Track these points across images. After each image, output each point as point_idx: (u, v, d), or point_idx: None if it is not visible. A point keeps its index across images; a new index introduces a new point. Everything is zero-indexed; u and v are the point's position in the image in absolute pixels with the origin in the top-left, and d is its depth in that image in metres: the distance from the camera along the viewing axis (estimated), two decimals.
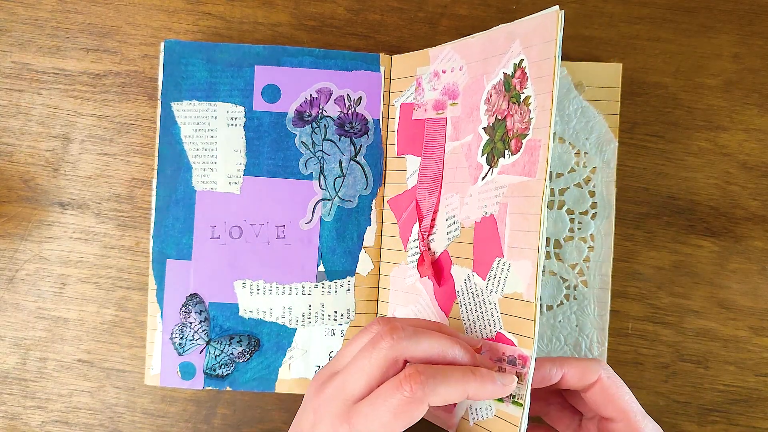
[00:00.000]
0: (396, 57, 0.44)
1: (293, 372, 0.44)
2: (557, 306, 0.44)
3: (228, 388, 0.44)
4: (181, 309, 0.44)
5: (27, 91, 0.47)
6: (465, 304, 0.39)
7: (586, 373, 0.35)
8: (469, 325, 0.39)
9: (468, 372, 0.32)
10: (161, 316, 0.44)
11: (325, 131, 0.44)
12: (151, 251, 0.44)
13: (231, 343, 0.44)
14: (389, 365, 0.32)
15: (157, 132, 0.44)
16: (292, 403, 0.46)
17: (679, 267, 0.46)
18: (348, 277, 0.44)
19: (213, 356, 0.44)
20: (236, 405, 0.46)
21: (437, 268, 0.41)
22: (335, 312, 0.44)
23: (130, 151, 0.47)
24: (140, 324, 0.46)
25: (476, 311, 0.38)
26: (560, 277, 0.44)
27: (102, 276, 0.46)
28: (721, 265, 0.46)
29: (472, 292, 0.39)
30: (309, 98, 0.44)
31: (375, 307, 0.45)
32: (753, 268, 0.46)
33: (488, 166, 0.38)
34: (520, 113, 0.36)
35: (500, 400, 0.36)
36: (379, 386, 0.32)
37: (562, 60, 0.36)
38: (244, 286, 0.44)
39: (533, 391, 0.35)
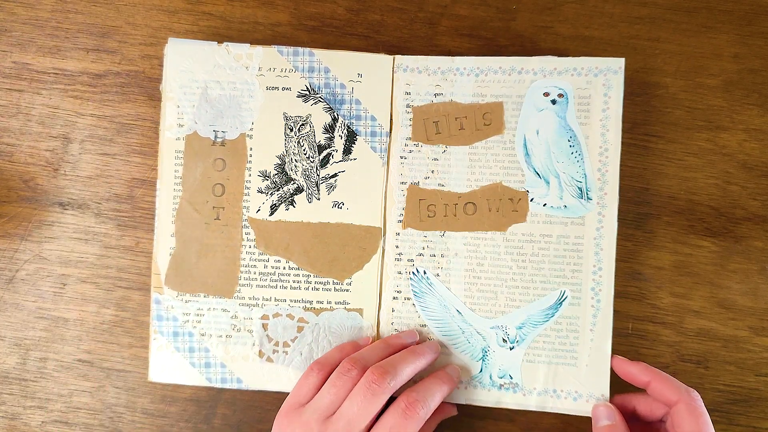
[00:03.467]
0: None
1: None
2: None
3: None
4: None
5: (27, 91, 0.47)
6: None
7: (671, 390, 0.39)
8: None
9: (439, 381, 0.40)
10: None
11: None
12: None
13: None
14: (384, 403, 0.38)
15: None
16: None
17: (679, 267, 0.46)
18: None
19: None
20: (236, 405, 0.46)
21: None
22: None
23: (130, 151, 0.47)
24: (140, 324, 0.46)
25: None
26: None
27: (102, 276, 0.47)
28: (721, 265, 0.46)
29: None
30: None
31: None
32: (753, 268, 0.46)
33: None
34: None
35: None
36: (375, 419, 0.38)
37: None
38: None
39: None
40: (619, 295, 0.45)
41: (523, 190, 0.44)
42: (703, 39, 0.46)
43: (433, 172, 0.45)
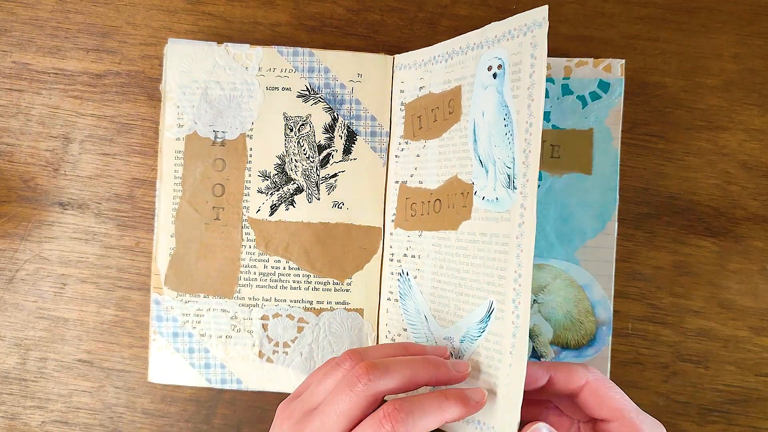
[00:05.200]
0: None
1: None
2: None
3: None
4: None
5: (27, 91, 0.47)
6: None
7: (573, 376, 0.35)
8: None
9: (441, 398, 0.32)
10: None
11: None
12: None
13: None
14: (368, 405, 0.32)
15: None
16: None
17: (679, 267, 0.46)
18: None
19: None
20: (236, 405, 0.46)
21: None
22: None
23: (130, 151, 0.47)
24: (140, 324, 0.46)
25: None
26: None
27: (102, 276, 0.47)
28: (721, 265, 0.46)
29: None
30: None
31: None
32: (753, 268, 0.46)
33: None
34: None
35: None
36: (358, 423, 0.32)
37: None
38: None
39: (527, 397, 0.34)
40: (619, 295, 0.45)
41: (470, 182, 0.38)
42: (703, 39, 0.46)
43: (416, 169, 0.42)
